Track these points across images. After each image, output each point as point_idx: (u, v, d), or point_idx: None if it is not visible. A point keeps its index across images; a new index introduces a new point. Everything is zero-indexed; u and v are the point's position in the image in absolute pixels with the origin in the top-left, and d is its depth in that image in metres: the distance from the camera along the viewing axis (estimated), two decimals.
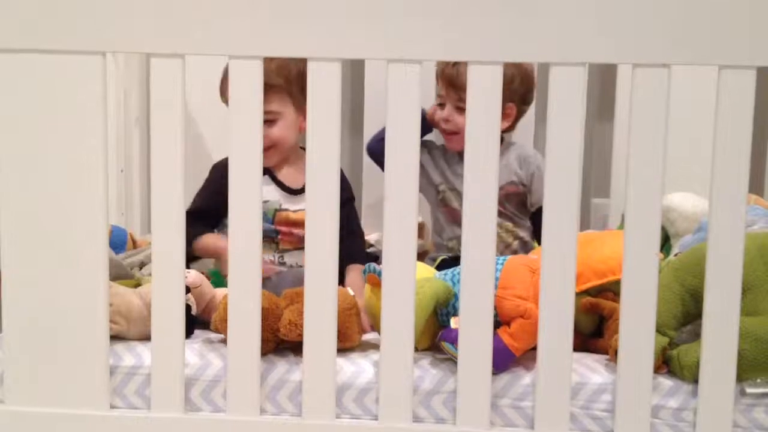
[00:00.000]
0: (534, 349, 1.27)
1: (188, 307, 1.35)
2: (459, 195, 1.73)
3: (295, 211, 1.76)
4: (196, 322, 1.45)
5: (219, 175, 1.70)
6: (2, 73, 1.25)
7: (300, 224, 1.73)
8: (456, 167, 1.88)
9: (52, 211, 1.27)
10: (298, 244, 1.75)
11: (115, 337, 1.35)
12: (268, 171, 1.74)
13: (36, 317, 1.29)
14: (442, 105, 1.87)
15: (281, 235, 1.75)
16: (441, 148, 1.94)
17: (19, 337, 1.30)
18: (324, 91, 1.22)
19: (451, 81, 1.81)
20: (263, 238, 1.27)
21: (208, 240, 1.73)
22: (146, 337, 1.33)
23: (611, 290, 1.43)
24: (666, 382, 1.28)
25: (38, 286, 1.28)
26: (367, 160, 2.12)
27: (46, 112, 1.25)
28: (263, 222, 1.30)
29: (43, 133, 1.26)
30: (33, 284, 1.28)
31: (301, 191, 1.75)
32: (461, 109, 1.78)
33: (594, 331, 1.44)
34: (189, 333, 1.37)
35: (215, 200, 1.68)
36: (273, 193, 1.77)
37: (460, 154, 1.34)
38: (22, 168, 1.27)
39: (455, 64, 1.77)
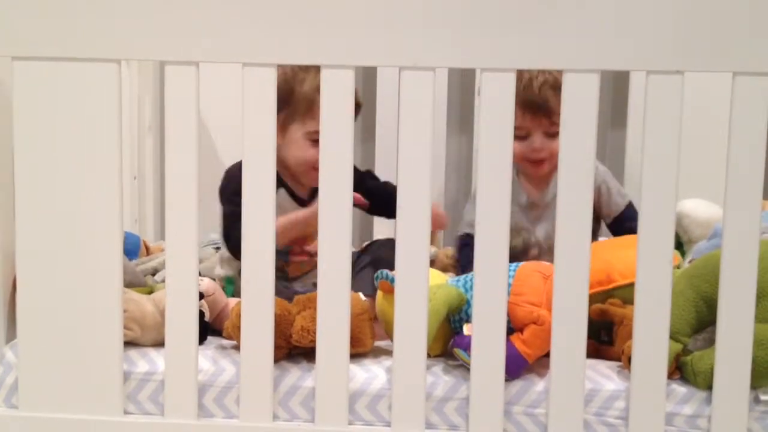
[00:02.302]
0: (547, 355, 1.27)
1: (201, 314, 1.36)
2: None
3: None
4: (209, 328, 1.45)
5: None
6: (18, 81, 1.26)
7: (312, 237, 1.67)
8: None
9: (66, 217, 1.28)
10: (307, 268, 1.72)
11: (129, 344, 1.35)
12: (284, 185, 1.70)
13: (50, 323, 1.30)
14: (519, 137, 1.69)
15: (291, 255, 1.70)
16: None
17: (34, 344, 1.30)
18: (337, 98, 1.22)
19: (539, 107, 1.68)
20: None
21: (284, 219, 1.62)
22: (160, 344, 1.33)
23: (616, 297, 1.43)
24: (680, 389, 1.28)
25: (53, 292, 1.29)
26: (379, 167, 2.12)
27: (62, 119, 1.26)
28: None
29: (58, 140, 1.26)
30: (47, 290, 1.29)
31: (309, 200, 1.73)
32: (550, 135, 1.69)
33: (599, 337, 1.44)
34: (202, 339, 1.38)
35: None
36: (288, 205, 1.71)
37: None
38: (37, 174, 1.27)
39: (540, 89, 1.67)
